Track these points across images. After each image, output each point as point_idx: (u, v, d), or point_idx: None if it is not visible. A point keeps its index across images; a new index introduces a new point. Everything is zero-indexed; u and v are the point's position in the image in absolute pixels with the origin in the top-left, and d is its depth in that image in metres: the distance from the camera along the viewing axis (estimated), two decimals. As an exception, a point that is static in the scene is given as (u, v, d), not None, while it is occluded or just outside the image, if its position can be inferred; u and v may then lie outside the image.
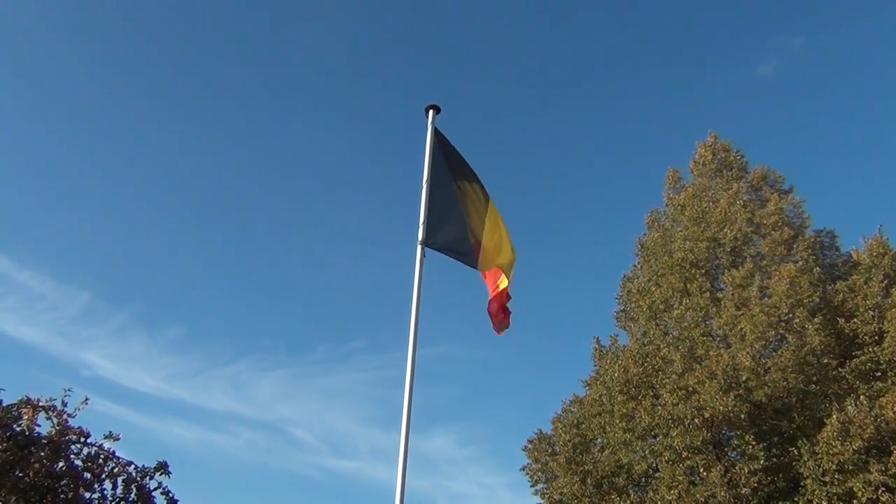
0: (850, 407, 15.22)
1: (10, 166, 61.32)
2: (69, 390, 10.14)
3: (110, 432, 10.05)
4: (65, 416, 9.89)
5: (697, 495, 15.16)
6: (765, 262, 19.18)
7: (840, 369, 16.87)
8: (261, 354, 61.88)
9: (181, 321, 64.74)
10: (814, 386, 16.33)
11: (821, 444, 14.81)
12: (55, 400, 10.01)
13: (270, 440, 55.37)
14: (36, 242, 63.32)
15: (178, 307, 64.78)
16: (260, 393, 57.17)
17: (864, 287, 18.16)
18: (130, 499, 9.75)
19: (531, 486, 20.25)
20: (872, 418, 14.77)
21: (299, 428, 56.73)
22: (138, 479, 9.78)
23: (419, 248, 9.94)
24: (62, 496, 9.46)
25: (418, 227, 10.02)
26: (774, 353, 16.73)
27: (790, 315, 16.93)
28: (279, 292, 67.32)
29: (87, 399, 10.15)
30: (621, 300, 22.91)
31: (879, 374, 16.70)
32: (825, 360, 16.55)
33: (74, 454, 9.71)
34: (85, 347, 56.68)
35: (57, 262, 64.58)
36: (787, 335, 16.85)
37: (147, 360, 56.73)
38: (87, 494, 9.72)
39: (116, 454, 9.97)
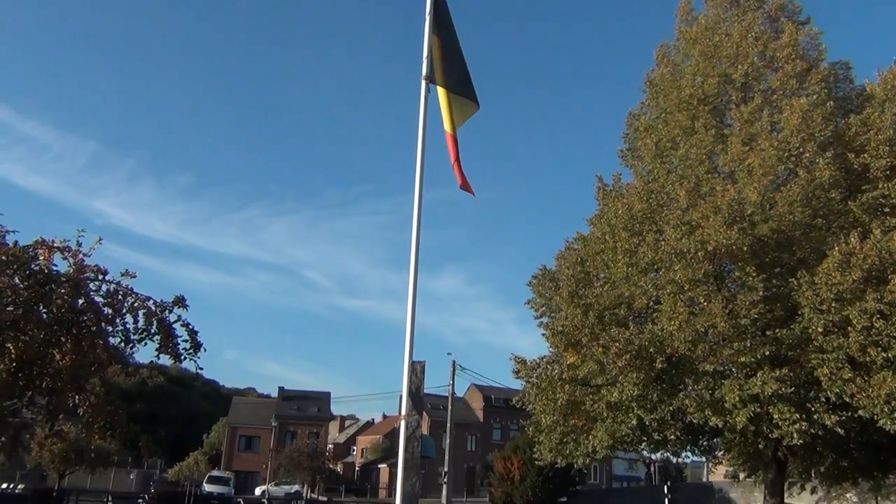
0: (853, 239, 15.33)
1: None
2: (83, 231, 10.29)
3: (126, 270, 10.27)
4: (80, 256, 10.08)
5: (697, 325, 15.63)
6: (775, 96, 18.72)
7: (849, 202, 16.88)
8: (270, 200, 62.47)
9: (188, 168, 64.92)
10: (820, 220, 16.40)
11: (820, 275, 15.07)
12: (69, 241, 10.18)
13: (284, 282, 57.07)
14: (35, 91, 62.11)
15: (184, 154, 64.87)
16: (272, 237, 58.28)
17: (878, 121, 17.81)
18: (152, 331, 10.13)
19: (536, 319, 21.00)
20: (877, 251, 14.92)
21: (312, 270, 58.32)
22: (158, 312, 10.11)
23: (423, 83, 9.77)
24: (85, 331, 9.82)
25: (422, 62, 9.81)
26: (783, 188, 16.68)
27: (801, 149, 16.73)
28: (283, 138, 67.06)
29: (100, 239, 10.30)
30: (627, 138, 22.67)
31: (888, 209, 16.73)
32: (832, 195, 16.53)
33: (94, 291, 9.98)
34: (95, 196, 57.19)
35: (58, 110, 63.81)
36: (796, 169, 16.74)
37: (158, 207, 57.48)
38: (110, 328, 10.10)
39: (134, 290, 10.25)
